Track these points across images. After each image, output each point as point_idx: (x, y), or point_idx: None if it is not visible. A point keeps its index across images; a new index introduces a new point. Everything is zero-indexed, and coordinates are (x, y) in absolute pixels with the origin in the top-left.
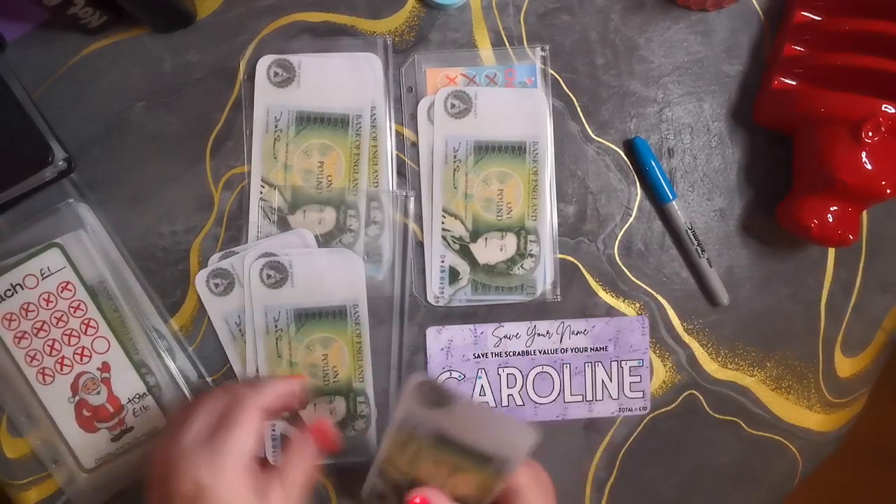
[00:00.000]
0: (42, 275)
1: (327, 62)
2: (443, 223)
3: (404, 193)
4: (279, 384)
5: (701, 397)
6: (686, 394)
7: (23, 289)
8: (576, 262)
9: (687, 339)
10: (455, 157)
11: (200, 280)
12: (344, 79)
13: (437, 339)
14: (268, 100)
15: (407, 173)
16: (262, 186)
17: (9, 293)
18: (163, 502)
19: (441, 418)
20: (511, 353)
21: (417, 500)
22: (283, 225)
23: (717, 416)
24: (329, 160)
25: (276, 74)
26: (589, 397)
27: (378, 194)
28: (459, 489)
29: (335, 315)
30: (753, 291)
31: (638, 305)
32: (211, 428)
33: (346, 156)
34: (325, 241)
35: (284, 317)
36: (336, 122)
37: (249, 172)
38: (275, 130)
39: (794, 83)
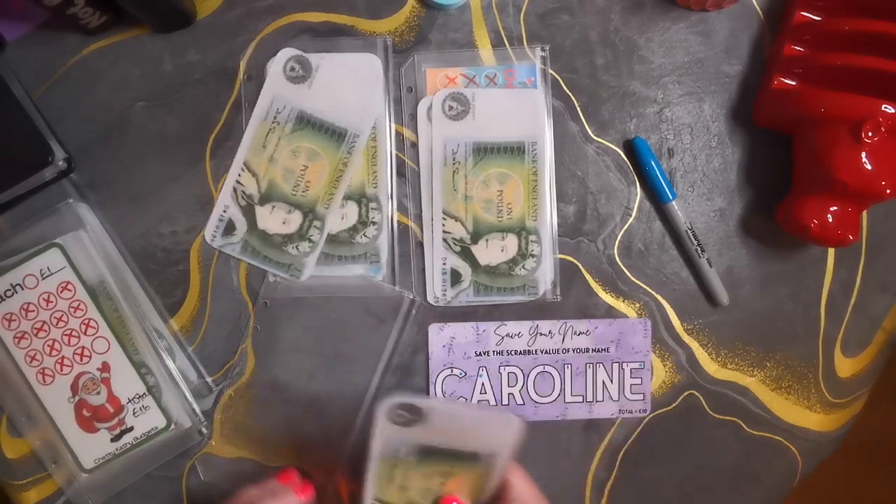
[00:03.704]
0: (42, 275)
1: (344, 77)
2: (443, 225)
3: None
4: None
5: (701, 397)
6: (686, 394)
7: (23, 289)
8: (576, 262)
9: (687, 339)
10: (454, 158)
11: None
12: (353, 95)
13: (439, 336)
14: (277, 91)
15: (407, 173)
16: (242, 170)
17: (9, 293)
18: None
19: (420, 433)
20: (513, 352)
21: None
22: (249, 213)
23: (717, 416)
24: (314, 167)
25: (292, 69)
26: (589, 398)
27: (377, 195)
28: (455, 493)
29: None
30: (753, 291)
31: (638, 306)
32: None
33: (331, 168)
34: (283, 241)
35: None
36: (332, 133)
37: (235, 151)
38: (273, 121)
39: (794, 83)
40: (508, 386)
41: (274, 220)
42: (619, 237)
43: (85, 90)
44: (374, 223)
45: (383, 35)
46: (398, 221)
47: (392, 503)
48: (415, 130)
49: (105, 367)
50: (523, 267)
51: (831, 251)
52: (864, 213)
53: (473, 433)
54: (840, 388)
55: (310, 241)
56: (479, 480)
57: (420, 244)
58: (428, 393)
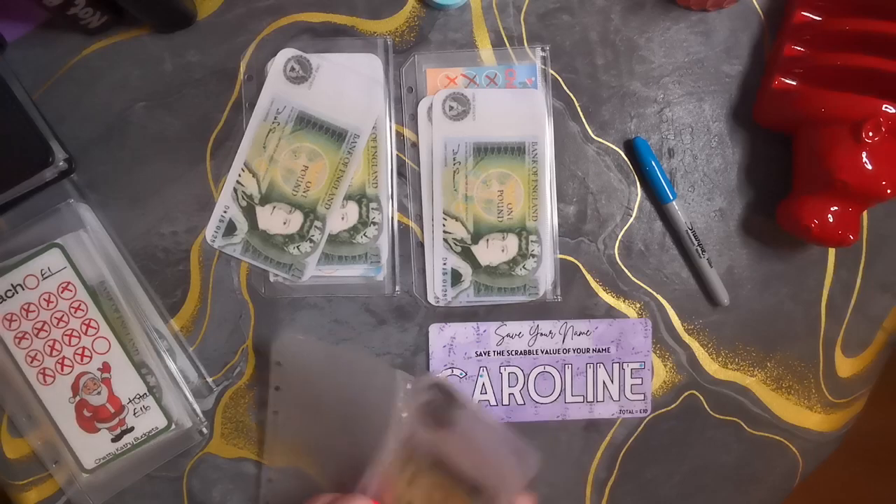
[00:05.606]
0: (42, 275)
1: (344, 77)
2: (444, 225)
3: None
4: None
5: (701, 397)
6: (686, 394)
7: (23, 289)
8: (576, 262)
9: (687, 339)
10: (454, 159)
11: None
12: (354, 95)
13: (440, 336)
14: (276, 91)
15: (407, 173)
16: (242, 170)
17: (9, 293)
18: None
19: (442, 440)
20: (513, 352)
21: None
22: (250, 214)
23: (717, 416)
24: (314, 167)
25: (292, 69)
26: (590, 398)
27: (377, 195)
28: None
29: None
30: (754, 291)
31: (638, 306)
32: None
33: (332, 168)
34: (284, 241)
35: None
36: (332, 134)
37: (235, 151)
38: (273, 121)
39: (794, 83)
40: (509, 386)
41: (275, 220)
42: (619, 237)
43: (85, 90)
44: (374, 223)
45: (383, 35)
46: (398, 221)
47: (398, 488)
48: (415, 130)
49: (105, 368)
50: (524, 267)
51: (831, 251)
52: (865, 213)
53: (488, 461)
54: (840, 388)
55: (311, 241)
56: None
57: (420, 244)
58: None
